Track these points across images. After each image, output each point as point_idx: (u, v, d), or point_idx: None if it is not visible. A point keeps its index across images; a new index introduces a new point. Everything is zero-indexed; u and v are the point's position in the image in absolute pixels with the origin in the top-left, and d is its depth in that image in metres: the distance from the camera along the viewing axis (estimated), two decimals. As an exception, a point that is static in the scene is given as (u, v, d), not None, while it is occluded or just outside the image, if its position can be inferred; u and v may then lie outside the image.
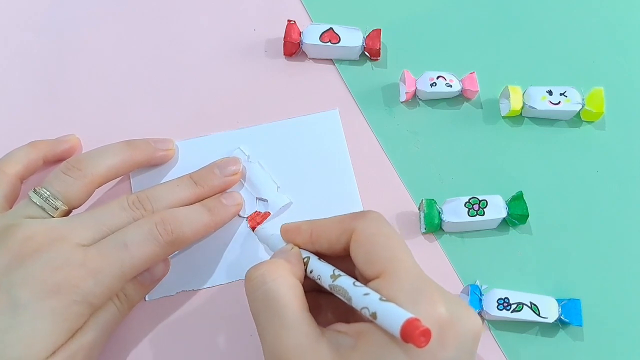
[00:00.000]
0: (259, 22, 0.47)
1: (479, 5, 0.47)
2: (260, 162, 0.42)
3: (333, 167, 0.42)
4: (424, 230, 0.41)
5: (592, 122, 0.44)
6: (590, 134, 0.44)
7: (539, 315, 0.38)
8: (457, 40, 0.46)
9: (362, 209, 0.41)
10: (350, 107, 0.44)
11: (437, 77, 0.43)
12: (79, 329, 0.34)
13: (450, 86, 0.43)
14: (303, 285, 0.31)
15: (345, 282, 0.30)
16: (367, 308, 0.28)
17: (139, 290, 0.37)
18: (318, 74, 0.45)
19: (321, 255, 0.33)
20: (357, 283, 0.30)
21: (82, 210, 0.37)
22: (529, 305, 0.38)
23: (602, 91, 0.43)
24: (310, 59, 0.46)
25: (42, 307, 0.32)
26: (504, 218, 0.40)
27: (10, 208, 0.38)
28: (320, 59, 0.46)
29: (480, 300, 0.38)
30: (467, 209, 0.40)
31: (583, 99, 0.43)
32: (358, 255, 0.31)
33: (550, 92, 0.43)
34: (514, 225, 0.41)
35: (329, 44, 0.44)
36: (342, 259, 0.32)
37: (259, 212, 0.41)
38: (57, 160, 0.41)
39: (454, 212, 0.40)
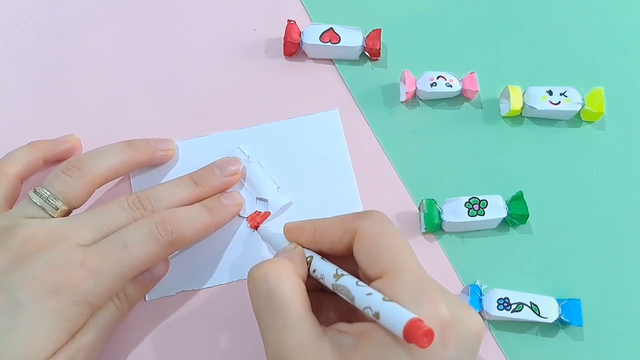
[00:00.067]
0: (259, 22, 0.47)
1: (479, 5, 0.47)
2: (260, 162, 0.42)
3: (333, 167, 0.42)
4: (424, 230, 0.41)
5: (592, 122, 0.44)
6: (590, 134, 0.44)
7: (539, 315, 0.38)
8: (457, 40, 0.46)
9: (362, 209, 0.41)
10: (350, 107, 0.44)
11: (437, 77, 0.43)
12: (79, 330, 0.34)
13: (450, 86, 0.43)
14: (306, 285, 0.31)
15: (348, 281, 0.30)
16: (369, 308, 0.28)
17: (139, 290, 0.37)
18: (318, 74, 0.45)
19: (324, 255, 0.33)
20: (360, 283, 0.30)
21: (82, 211, 0.37)
22: (529, 305, 0.38)
23: (602, 91, 0.43)
24: (310, 59, 0.46)
25: (42, 307, 0.32)
26: (504, 218, 0.40)
27: (11, 208, 0.38)
28: (320, 59, 0.46)
29: (480, 300, 0.38)
30: (467, 209, 0.40)
31: (583, 99, 0.43)
32: (361, 255, 0.31)
33: (550, 92, 0.43)
34: (514, 225, 0.41)
35: (329, 44, 0.44)
36: (345, 259, 0.32)
37: (259, 212, 0.41)
38: (57, 160, 0.41)
39: (454, 212, 0.40)
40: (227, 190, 0.40)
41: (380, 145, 0.43)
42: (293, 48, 0.45)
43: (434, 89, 0.43)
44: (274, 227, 0.38)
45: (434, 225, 0.40)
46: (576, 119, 0.44)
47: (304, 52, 0.45)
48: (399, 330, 0.27)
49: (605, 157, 0.43)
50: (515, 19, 0.47)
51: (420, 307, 0.28)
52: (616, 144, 0.43)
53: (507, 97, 0.43)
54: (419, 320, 0.26)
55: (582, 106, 0.43)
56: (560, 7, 0.47)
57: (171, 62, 0.46)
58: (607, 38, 0.46)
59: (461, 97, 0.44)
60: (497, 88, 0.44)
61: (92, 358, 0.34)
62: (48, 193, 0.36)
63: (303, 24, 0.45)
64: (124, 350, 0.39)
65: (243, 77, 0.45)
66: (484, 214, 0.40)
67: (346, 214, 0.32)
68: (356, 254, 0.31)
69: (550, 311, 0.38)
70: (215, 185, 0.39)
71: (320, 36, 0.44)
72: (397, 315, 0.27)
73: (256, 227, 0.40)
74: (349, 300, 0.30)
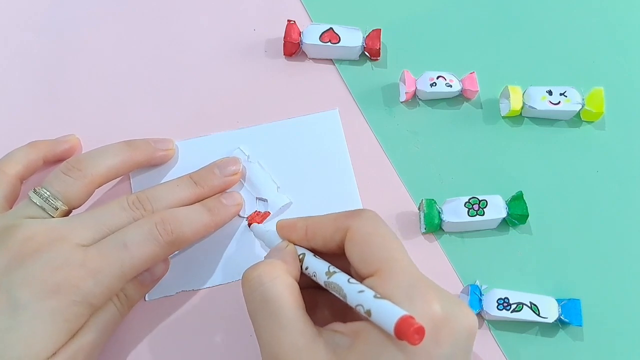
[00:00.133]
0: (259, 22, 0.47)
1: (479, 5, 0.47)
2: (260, 162, 0.42)
3: (333, 167, 0.42)
4: (424, 230, 0.41)
5: (592, 122, 0.44)
6: (590, 134, 0.44)
7: (539, 315, 0.38)
8: (457, 40, 0.46)
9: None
10: (350, 107, 0.44)
11: (437, 77, 0.43)
12: (80, 330, 0.34)
13: (450, 86, 0.43)
14: (299, 282, 0.31)
15: (340, 279, 0.30)
16: (361, 305, 0.28)
17: (139, 290, 0.37)
18: (318, 74, 0.45)
19: (317, 252, 0.33)
20: (352, 280, 0.30)
21: (82, 211, 0.37)
22: (529, 305, 0.38)
23: (602, 91, 0.43)
24: (310, 59, 0.46)
25: (42, 308, 0.32)
26: (504, 218, 0.40)
27: (10, 208, 0.38)
28: (320, 59, 0.46)
29: (480, 300, 0.38)
30: (467, 209, 0.40)
31: (583, 99, 0.43)
32: (353, 254, 0.31)
33: (550, 92, 0.43)
34: (514, 225, 0.41)
35: (329, 44, 0.44)
36: (337, 256, 0.32)
37: (259, 212, 0.41)
38: (57, 160, 0.41)
39: (454, 212, 0.40)
40: (227, 191, 0.40)
41: (380, 145, 0.43)
42: (293, 48, 0.45)
43: (434, 89, 0.43)
44: (269, 223, 0.38)
45: (433, 225, 0.40)
46: (576, 119, 0.44)
47: (304, 52, 0.45)
48: (390, 327, 0.27)
49: (605, 157, 0.43)
50: (515, 19, 0.47)
51: (413, 305, 0.28)
52: (616, 144, 0.43)
53: (507, 97, 0.43)
54: (410, 317, 0.26)
55: (582, 106, 0.43)
56: (560, 7, 0.47)
57: (171, 62, 0.46)
58: (607, 38, 0.46)
59: (461, 97, 0.44)
60: (497, 88, 0.44)
61: (93, 358, 0.34)
62: (48, 193, 0.36)
63: (303, 24, 0.45)
64: (124, 350, 0.39)
65: (243, 77, 0.45)
66: (483, 214, 0.40)
67: (339, 212, 0.32)
68: (348, 253, 0.31)
69: (550, 311, 0.38)
70: (215, 185, 0.39)
71: (320, 36, 0.44)
72: (388, 313, 0.27)
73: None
74: (341, 298, 0.30)
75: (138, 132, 0.42)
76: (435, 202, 0.40)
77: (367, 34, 0.44)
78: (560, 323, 0.39)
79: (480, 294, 0.39)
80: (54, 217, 0.36)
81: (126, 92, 0.45)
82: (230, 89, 0.45)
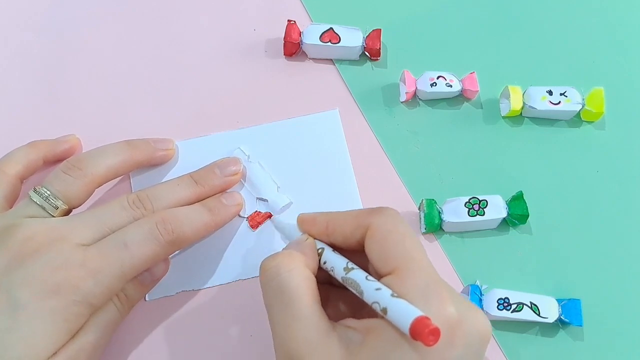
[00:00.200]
0: (259, 22, 0.47)
1: (479, 5, 0.47)
2: (261, 162, 0.42)
3: (333, 167, 0.42)
4: (424, 230, 0.41)
5: (592, 122, 0.44)
6: (590, 134, 0.44)
7: (539, 315, 0.38)
8: (457, 40, 0.46)
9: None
10: (350, 107, 0.44)
11: (437, 77, 0.43)
12: (80, 330, 0.34)
13: (450, 86, 0.43)
14: (316, 277, 0.31)
15: (358, 275, 0.30)
16: (378, 303, 0.28)
17: (139, 290, 0.37)
18: (318, 74, 0.45)
19: (335, 248, 0.33)
20: (370, 277, 0.30)
21: (82, 210, 0.37)
22: (529, 305, 0.38)
23: (602, 91, 0.43)
24: (310, 59, 0.46)
25: (42, 308, 0.32)
26: (504, 218, 0.40)
27: (11, 208, 0.37)
28: (320, 59, 0.46)
29: (481, 300, 0.38)
30: (467, 209, 0.40)
31: (583, 99, 0.43)
32: (372, 251, 0.31)
33: (550, 92, 0.43)
34: (514, 225, 0.41)
35: (329, 44, 0.44)
36: (356, 253, 0.32)
37: (259, 212, 0.41)
38: (57, 160, 0.41)
39: (454, 212, 0.40)
40: (228, 191, 0.40)
41: (380, 145, 0.43)
42: (293, 48, 0.45)
43: (434, 89, 0.43)
44: (290, 216, 0.38)
45: (434, 225, 0.40)
46: (576, 119, 0.44)
47: (304, 52, 0.45)
48: (405, 327, 0.27)
49: (605, 157, 0.43)
50: (515, 19, 0.47)
51: (429, 306, 0.28)
52: (616, 144, 0.43)
53: (507, 97, 0.43)
54: (426, 318, 0.26)
55: (582, 106, 0.43)
56: (560, 7, 0.47)
57: (171, 62, 0.46)
58: (607, 38, 0.46)
59: (461, 97, 0.44)
60: (497, 88, 0.44)
61: (94, 359, 0.34)
62: (48, 192, 0.36)
63: (303, 24, 0.45)
64: (124, 350, 0.39)
65: (243, 77, 0.45)
66: (484, 214, 0.40)
67: (360, 209, 0.33)
68: (367, 250, 0.31)
69: (550, 311, 0.38)
70: (216, 185, 0.39)
71: (320, 36, 0.44)
72: (404, 312, 0.27)
73: (256, 227, 0.40)
74: (357, 294, 0.30)
75: (138, 132, 0.42)
76: (435, 202, 0.40)
77: (367, 34, 0.44)
78: (560, 323, 0.39)
79: (481, 294, 0.39)
80: (54, 217, 0.36)
81: (126, 92, 0.45)
82: (230, 89, 0.45)
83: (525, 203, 0.40)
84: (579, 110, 0.43)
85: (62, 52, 0.46)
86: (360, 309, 0.32)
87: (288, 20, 0.45)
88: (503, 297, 0.38)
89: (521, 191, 0.41)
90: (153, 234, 0.35)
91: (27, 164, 0.39)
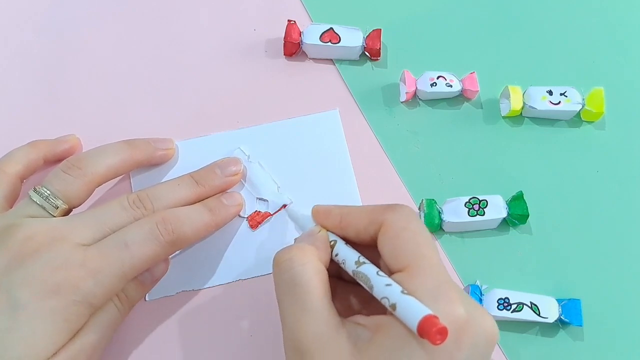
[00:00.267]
0: (259, 22, 0.47)
1: (479, 5, 0.47)
2: (261, 162, 0.42)
3: (333, 167, 0.42)
4: (424, 230, 0.41)
5: (592, 122, 0.44)
6: (590, 134, 0.44)
7: (539, 315, 0.38)
8: (457, 40, 0.46)
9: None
10: (350, 107, 0.44)
11: (437, 77, 0.43)
12: (80, 330, 0.33)
13: (451, 86, 0.43)
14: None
15: (369, 269, 0.30)
16: (387, 298, 0.28)
17: (139, 290, 0.37)
18: (318, 74, 0.45)
19: (348, 241, 0.33)
20: (381, 273, 0.30)
21: (83, 210, 0.37)
22: (529, 305, 0.38)
23: (602, 91, 0.43)
24: (310, 59, 0.46)
25: (42, 308, 0.32)
26: (504, 218, 0.40)
27: (11, 208, 0.37)
28: (320, 59, 0.46)
29: (481, 300, 0.38)
30: (467, 209, 0.40)
31: (583, 99, 0.43)
32: (385, 247, 0.31)
33: (550, 92, 0.43)
34: (514, 225, 0.41)
35: (329, 44, 0.44)
36: (368, 248, 0.32)
37: (259, 212, 0.41)
38: (57, 160, 0.41)
39: (454, 212, 0.40)
40: (228, 191, 0.40)
41: (380, 145, 0.43)
42: (293, 48, 0.45)
43: (434, 89, 0.43)
44: (305, 207, 0.38)
45: (434, 225, 0.40)
46: (576, 119, 0.44)
47: (304, 52, 0.45)
48: (413, 324, 0.27)
49: (605, 157, 0.43)
50: (515, 19, 0.47)
51: (438, 305, 0.28)
52: (616, 144, 0.43)
53: (507, 97, 0.43)
54: (435, 317, 0.27)
55: (582, 106, 0.43)
56: (560, 7, 0.47)
57: (171, 62, 0.46)
58: (607, 38, 0.46)
59: (461, 97, 0.44)
60: (497, 88, 0.44)
61: (94, 359, 0.34)
62: (48, 192, 0.36)
63: (303, 24, 0.45)
64: (124, 350, 0.39)
65: (243, 77, 0.45)
66: (484, 214, 0.40)
67: (375, 205, 0.33)
68: (380, 246, 0.31)
69: (550, 311, 0.38)
70: (216, 185, 0.39)
71: (320, 36, 0.44)
72: (413, 309, 0.27)
73: (256, 227, 0.41)
74: (367, 289, 0.30)
75: (138, 132, 0.42)
76: (435, 202, 0.40)
77: (367, 34, 0.44)
78: (560, 323, 0.39)
79: (481, 294, 0.39)
80: (54, 216, 0.36)
81: (126, 92, 0.45)
82: (230, 89, 0.45)
83: (525, 203, 0.40)
84: (579, 110, 0.43)
85: (62, 52, 0.46)
86: (367, 304, 0.32)
87: (288, 20, 0.45)
88: (503, 297, 0.38)
89: (521, 191, 0.41)
90: (153, 234, 0.35)
91: (27, 163, 0.39)
